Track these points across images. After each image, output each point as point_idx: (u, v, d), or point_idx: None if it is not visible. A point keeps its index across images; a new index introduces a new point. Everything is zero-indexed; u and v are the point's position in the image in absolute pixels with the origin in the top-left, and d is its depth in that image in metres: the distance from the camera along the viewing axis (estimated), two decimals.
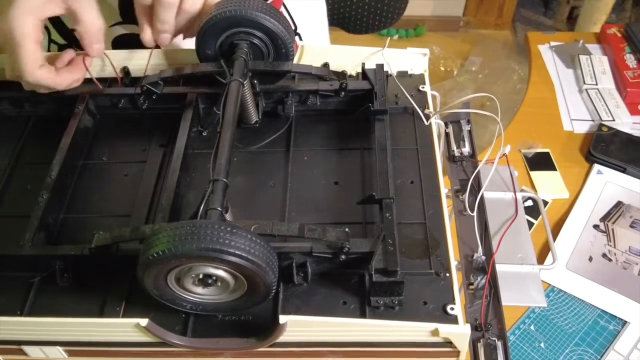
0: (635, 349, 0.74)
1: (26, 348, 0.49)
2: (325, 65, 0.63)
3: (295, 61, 0.61)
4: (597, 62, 1.11)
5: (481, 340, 0.49)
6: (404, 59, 0.63)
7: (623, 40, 1.13)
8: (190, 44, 0.60)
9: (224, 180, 0.46)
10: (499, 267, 0.54)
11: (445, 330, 0.43)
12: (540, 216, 0.86)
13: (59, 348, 0.48)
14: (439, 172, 0.55)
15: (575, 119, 1.03)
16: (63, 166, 0.54)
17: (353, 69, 0.63)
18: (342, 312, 0.47)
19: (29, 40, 0.53)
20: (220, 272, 0.43)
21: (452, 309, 0.46)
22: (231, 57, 0.56)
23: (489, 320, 0.50)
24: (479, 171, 0.60)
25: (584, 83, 1.08)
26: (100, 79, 0.62)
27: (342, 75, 0.58)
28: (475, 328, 0.49)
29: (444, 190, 0.54)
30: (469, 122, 0.64)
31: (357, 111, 0.60)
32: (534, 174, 0.94)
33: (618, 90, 1.06)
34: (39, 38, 0.55)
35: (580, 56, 1.13)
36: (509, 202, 0.65)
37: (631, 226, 0.86)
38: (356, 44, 0.64)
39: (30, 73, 0.54)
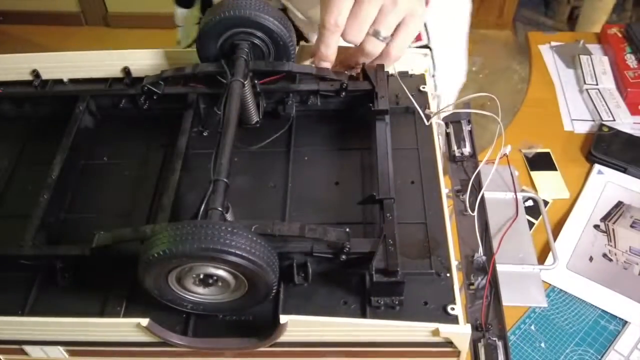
0: (635, 349, 0.74)
1: (27, 348, 0.49)
2: None
3: (296, 61, 0.61)
4: (598, 62, 1.11)
5: (482, 340, 0.49)
6: (405, 59, 0.63)
7: (623, 41, 1.13)
8: None
9: (225, 180, 0.46)
10: (500, 267, 0.53)
11: (446, 330, 0.43)
12: (541, 216, 0.86)
13: (60, 348, 0.48)
14: (440, 172, 0.55)
15: (576, 119, 1.03)
16: (64, 166, 0.54)
17: (354, 69, 0.63)
18: (342, 312, 0.47)
19: None
20: (221, 272, 0.43)
21: (452, 309, 0.46)
22: (232, 57, 0.56)
23: (489, 321, 0.50)
24: (479, 171, 0.59)
25: (585, 83, 1.07)
26: (100, 79, 0.62)
27: (342, 75, 0.58)
28: (475, 328, 0.49)
29: (444, 190, 0.54)
30: (469, 122, 0.64)
31: (357, 111, 0.60)
32: (535, 174, 0.94)
33: (618, 90, 1.06)
34: None
35: (581, 56, 1.12)
36: (510, 202, 0.65)
37: (632, 226, 0.86)
38: None
39: None
